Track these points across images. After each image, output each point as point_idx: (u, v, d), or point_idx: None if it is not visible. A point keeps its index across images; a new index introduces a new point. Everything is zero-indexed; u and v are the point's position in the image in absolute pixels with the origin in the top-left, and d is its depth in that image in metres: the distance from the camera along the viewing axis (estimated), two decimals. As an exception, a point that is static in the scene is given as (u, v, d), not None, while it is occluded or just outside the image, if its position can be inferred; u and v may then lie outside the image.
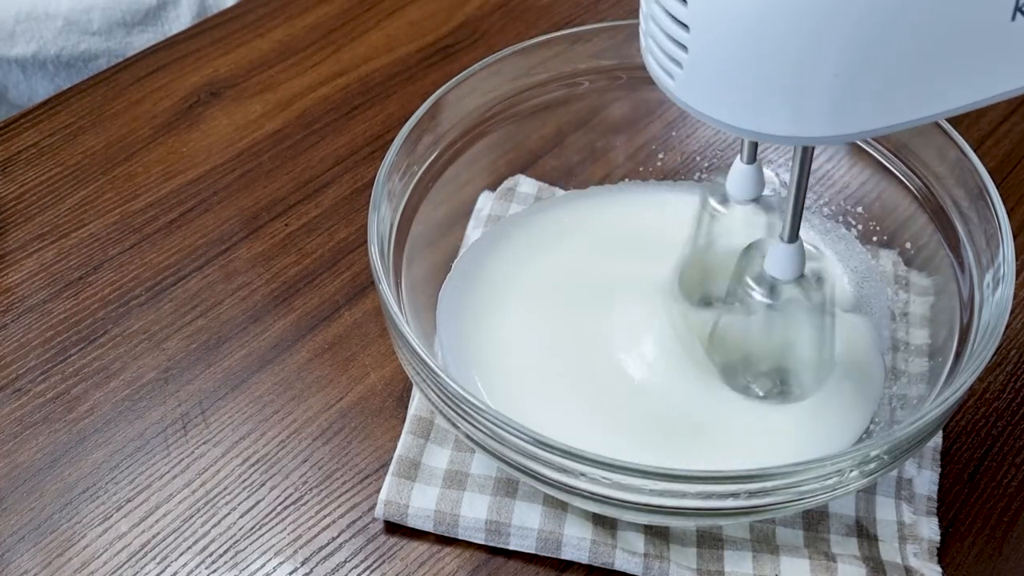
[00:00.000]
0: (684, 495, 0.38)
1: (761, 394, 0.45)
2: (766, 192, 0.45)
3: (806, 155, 0.38)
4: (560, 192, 0.56)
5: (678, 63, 0.33)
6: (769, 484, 0.37)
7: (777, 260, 0.41)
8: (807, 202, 0.55)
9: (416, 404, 0.47)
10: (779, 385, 0.46)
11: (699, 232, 0.47)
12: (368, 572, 0.43)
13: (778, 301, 0.42)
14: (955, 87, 0.32)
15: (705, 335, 0.46)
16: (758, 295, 0.42)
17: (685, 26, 0.32)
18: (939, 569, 0.43)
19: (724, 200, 0.46)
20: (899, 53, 0.30)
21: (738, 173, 0.45)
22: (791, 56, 0.31)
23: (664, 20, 0.33)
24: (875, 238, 0.52)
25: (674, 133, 0.58)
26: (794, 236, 0.40)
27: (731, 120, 0.33)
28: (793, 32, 0.30)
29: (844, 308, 0.50)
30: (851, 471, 0.38)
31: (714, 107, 0.33)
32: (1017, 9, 0.30)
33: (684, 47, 0.32)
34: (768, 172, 0.45)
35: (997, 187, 0.44)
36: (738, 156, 0.44)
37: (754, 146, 0.44)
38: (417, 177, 0.49)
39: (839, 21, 0.30)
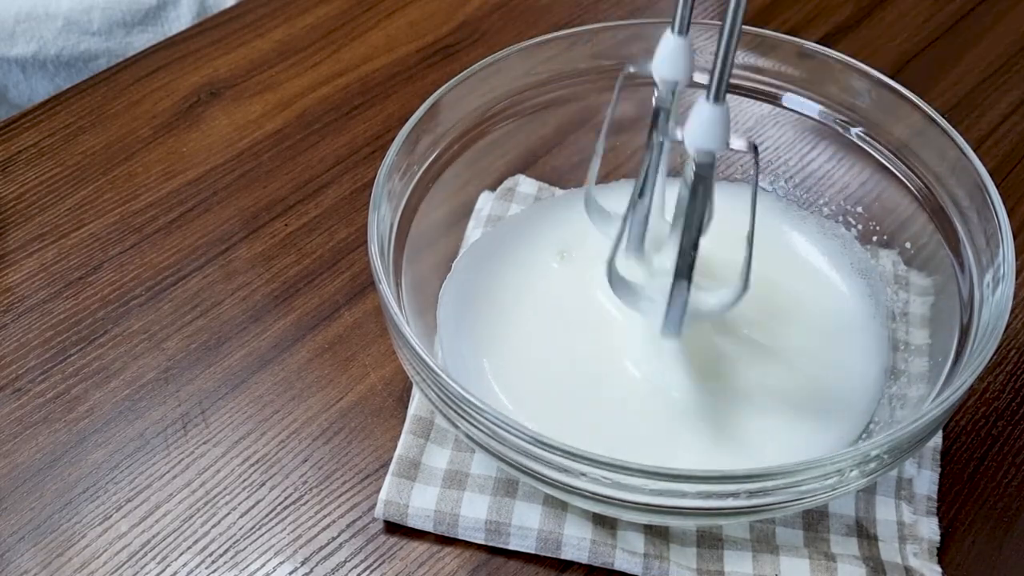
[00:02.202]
0: (684, 495, 0.38)
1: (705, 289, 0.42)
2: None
3: None
4: (560, 192, 0.56)
5: None
6: (769, 484, 0.37)
7: (699, 125, 0.35)
8: (807, 202, 0.55)
9: (416, 404, 0.47)
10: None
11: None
12: (368, 572, 0.43)
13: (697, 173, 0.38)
14: None
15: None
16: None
17: None
18: (939, 569, 0.43)
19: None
20: None
21: (667, 49, 0.39)
22: None
23: None
24: (875, 238, 0.52)
25: (674, 133, 0.58)
26: (720, 94, 0.35)
27: None
28: None
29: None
30: (851, 471, 0.38)
31: None
32: None
33: None
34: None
35: (997, 187, 0.44)
36: (667, 28, 0.40)
37: (688, 9, 0.38)
38: (417, 177, 0.49)
39: None
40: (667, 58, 0.40)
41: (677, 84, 0.41)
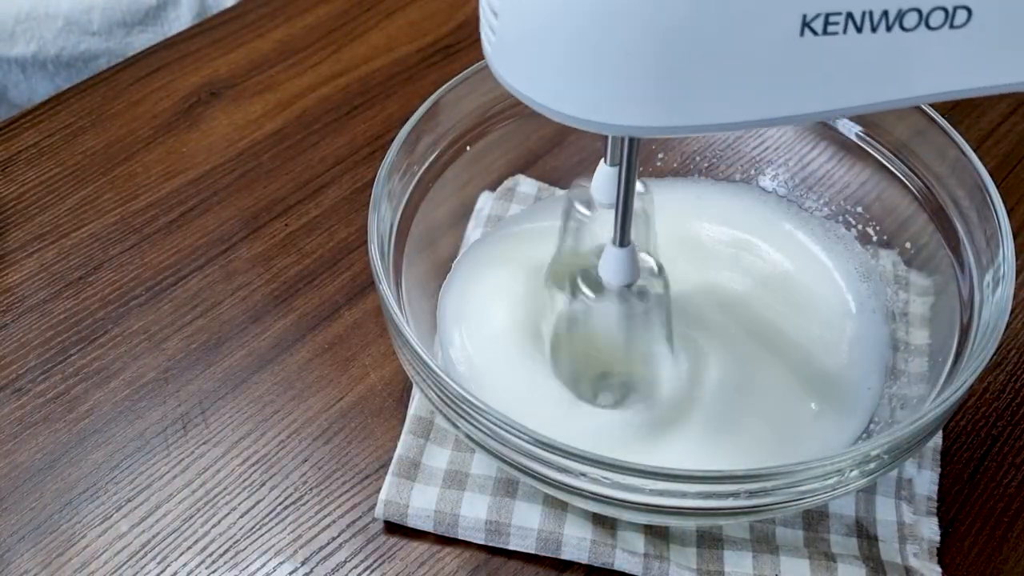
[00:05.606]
0: (684, 495, 0.38)
1: (604, 404, 0.45)
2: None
3: (632, 148, 0.35)
4: (560, 192, 0.56)
5: (493, 30, 0.31)
6: (769, 484, 0.37)
7: (608, 264, 0.40)
8: (807, 202, 0.55)
9: (416, 404, 0.47)
10: (618, 392, 0.45)
11: (565, 237, 0.46)
12: (368, 572, 0.43)
13: (603, 305, 0.41)
14: (752, 99, 0.29)
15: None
16: (586, 298, 0.42)
17: None
18: (939, 569, 0.43)
19: (590, 204, 0.44)
20: (691, 53, 0.28)
21: (601, 176, 0.42)
22: (591, 35, 0.28)
23: None
24: (875, 238, 0.52)
25: (674, 133, 0.58)
26: (624, 239, 0.38)
27: (541, 99, 0.30)
28: (589, 9, 0.28)
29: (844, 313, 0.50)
30: (851, 471, 0.38)
31: (525, 83, 0.31)
32: (805, 25, 0.28)
33: (495, 13, 0.30)
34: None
35: (997, 187, 0.44)
36: (602, 158, 0.42)
37: (617, 146, 0.40)
38: (417, 177, 0.49)
39: (630, 8, 0.28)
40: (602, 185, 0.42)
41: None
